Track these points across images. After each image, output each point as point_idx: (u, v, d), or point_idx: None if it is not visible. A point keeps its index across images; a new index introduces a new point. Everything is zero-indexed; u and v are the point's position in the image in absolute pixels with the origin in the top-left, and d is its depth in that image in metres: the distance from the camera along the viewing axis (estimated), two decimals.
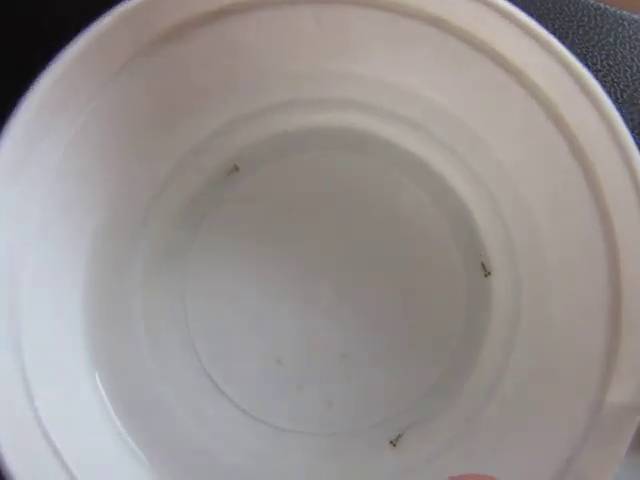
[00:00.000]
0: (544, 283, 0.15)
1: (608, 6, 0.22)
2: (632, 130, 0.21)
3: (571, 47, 0.22)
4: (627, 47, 0.22)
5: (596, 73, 0.22)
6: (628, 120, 0.22)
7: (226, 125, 0.18)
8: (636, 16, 0.22)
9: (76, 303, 0.16)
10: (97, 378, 0.16)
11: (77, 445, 0.14)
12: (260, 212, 0.19)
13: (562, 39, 0.22)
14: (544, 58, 0.13)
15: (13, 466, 0.12)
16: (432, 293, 0.18)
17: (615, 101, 0.22)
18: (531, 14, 0.22)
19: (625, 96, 0.22)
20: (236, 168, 0.19)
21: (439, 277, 0.18)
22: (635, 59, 0.22)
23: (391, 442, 0.17)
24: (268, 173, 0.19)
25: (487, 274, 0.18)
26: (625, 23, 0.22)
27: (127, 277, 0.18)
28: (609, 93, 0.22)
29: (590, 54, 0.22)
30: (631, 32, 0.22)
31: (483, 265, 0.18)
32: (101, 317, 0.16)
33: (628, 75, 0.22)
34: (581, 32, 0.22)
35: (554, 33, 0.22)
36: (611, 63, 0.22)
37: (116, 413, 0.16)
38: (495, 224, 0.17)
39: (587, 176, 0.13)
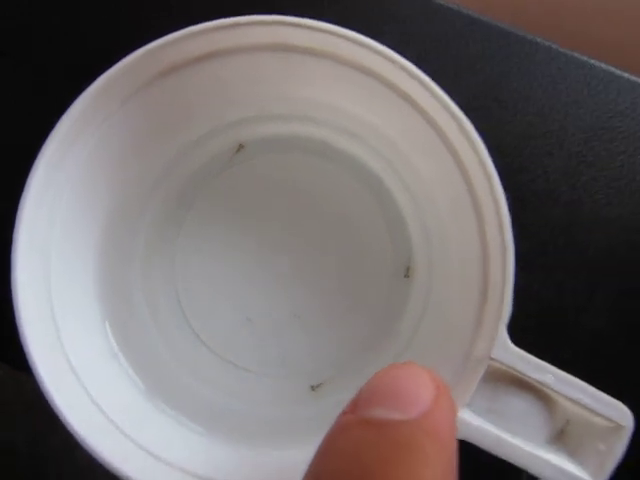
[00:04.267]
0: (446, 276, 0.21)
1: (527, 35, 0.27)
2: (543, 136, 0.27)
3: (491, 68, 0.27)
4: (540, 70, 0.27)
5: (514, 91, 0.27)
6: (544, 129, 0.27)
7: (214, 131, 0.23)
8: (547, 43, 0.27)
9: (89, 266, 0.21)
10: (107, 326, 0.21)
11: (91, 367, 0.19)
12: (235, 200, 0.24)
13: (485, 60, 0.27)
14: (430, 98, 0.18)
15: (45, 381, 0.17)
16: (364, 276, 0.23)
17: (530, 113, 0.27)
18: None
19: (536, 109, 0.27)
20: (228, 162, 0.23)
21: (372, 263, 0.23)
22: (546, 79, 0.27)
23: (312, 387, 0.23)
24: (245, 169, 0.24)
25: (407, 276, 0.23)
26: (540, 49, 0.27)
27: (130, 246, 0.22)
28: (525, 107, 0.27)
29: (511, 73, 0.27)
30: (543, 56, 0.27)
31: (408, 268, 0.23)
32: (110, 285, 0.21)
33: (540, 92, 0.27)
34: (502, 55, 0.27)
35: (479, 55, 0.27)
36: (526, 81, 0.27)
37: (122, 352, 0.21)
38: (419, 228, 0.22)
39: (469, 189, 0.18)
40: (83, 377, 0.18)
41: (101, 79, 0.18)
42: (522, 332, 0.25)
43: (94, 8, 0.27)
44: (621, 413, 0.17)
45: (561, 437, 0.18)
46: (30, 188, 0.18)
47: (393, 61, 0.17)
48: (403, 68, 0.17)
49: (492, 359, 0.17)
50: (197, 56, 0.19)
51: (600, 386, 0.18)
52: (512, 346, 0.17)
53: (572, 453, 0.18)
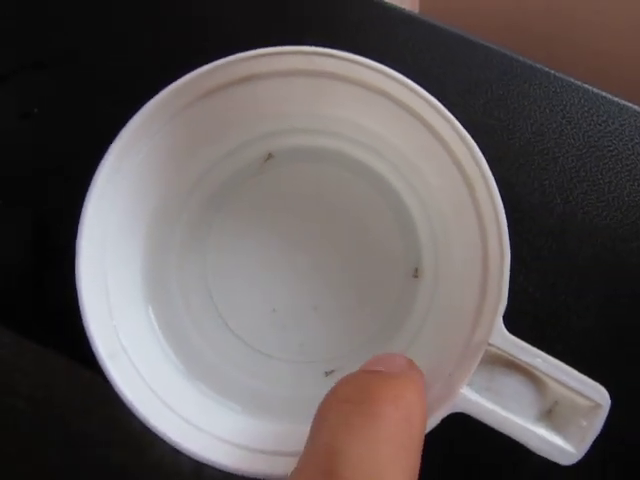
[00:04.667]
0: (451, 275, 0.23)
1: (527, 60, 0.30)
2: (540, 153, 0.29)
3: (494, 90, 0.30)
4: (538, 93, 0.30)
5: (514, 111, 0.30)
6: (540, 147, 0.29)
7: (247, 142, 0.26)
8: (545, 69, 0.30)
9: (137, 261, 0.24)
10: (150, 312, 0.24)
11: (139, 350, 0.22)
12: (263, 203, 0.27)
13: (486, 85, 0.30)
14: (443, 122, 0.20)
15: (104, 360, 0.20)
16: (377, 275, 0.26)
17: (528, 131, 0.30)
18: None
19: (534, 128, 0.30)
20: (257, 169, 0.26)
21: (384, 264, 0.26)
22: (544, 101, 0.30)
23: (325, 373, 0.25)
24: (273, 176, 0.27)
25: (416, 276, 0.25)
26: (538, 74, 0.30)
27: (169, 242, 0.25)
28: (524, 126, 0.30)
29: (512, 95, 0.30)
30: (541, 80, 0.30)
31: (416, 269, 0.26)
32: (152, 276, 0.24)
33: (537, 113, 0.30)
34: (504, 78, 0.30)
35: (478, 81, 0.30)
36: (525, 103, 0.30)
37: (164, 337, 0.24)
38: (428, 234, 0.25)
39: (472, 198, 0.21)
40: (133, 356, 0.21)
41: (158, 97, 0.21)
42: (518, 328, 0.28)
43: (152, 32, 0.30)
44: (600, 394, 0.20)
45: (549, 415, 0.21)
46: (94, 186, 0.21)
47: (411, 89, 0.20)
48: (420, 95, 0.20)
49: (490, 345, 0.20)
50: (237, 79, 0.22)
51: (584, 374, 0.21)
52: (507, 333, 0.20)
53: (558, 428, 0.20)
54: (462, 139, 0.20)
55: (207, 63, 0.21)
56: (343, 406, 0.16)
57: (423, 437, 0.17)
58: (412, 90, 0.20)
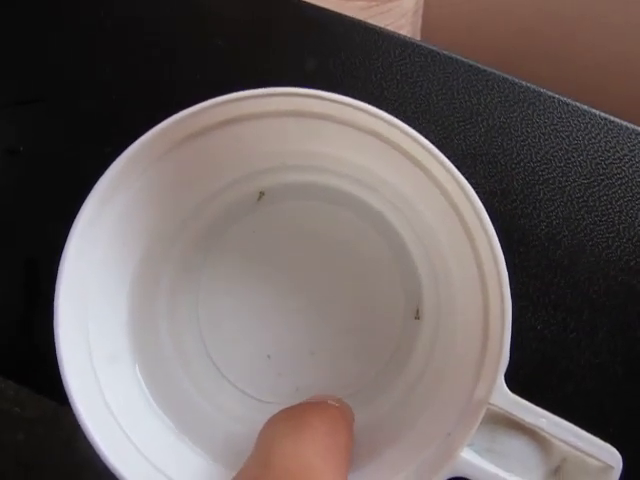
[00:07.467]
0: (452, 324, 0.22)
1: (530, 85, 0.29)
2: (545, 183, 0.28)
3: (497, 117, 0.28)
4: (542, 119, 0.28)
5: (517, 139, 0.28)
6: (546, 176, 0.28)
7: (237, 180, 0.25)
8: (549, 93, 0.29)
9: (123, 313, 0.23)
10: (137, 369, 0.23)
11: (125, 406, 0.21)
12: (255, 243, 0.26)
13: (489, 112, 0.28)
14: (439, 165, 0.19)
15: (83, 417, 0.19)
16: (377, 316, 0.25)
17: (533, 160, 0.28)
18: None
19: (539, 157, 0.28)
20: (249, 208, 0.26)
21: (384, 304, 0.25)
22: (548, 127, 0.28)
23: None
24: (265, 214, 0.26)
25: (417, 317, 0.24)
26: (542, 99, 0.29)
27: (157, 287, 0.24)
28: (529, 155, 0.28)
29: (515, 122, 0.28)
30: (546, 106, 0.28)
31: (417, 310, 0.24)
32: (137, 325, 0.23)
33: (542, 140, 0.28)
34: (507, 104, 0.28)
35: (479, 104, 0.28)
36: (529, 130, 0.28)
37: (148, 390, 0.22)
38: (428, 273, 0.24)
39: (472, 248, 0.20)
40: (119, 416, 0.20)
41: (141, 140, 0.20)
42: (526, 368, 0.27)
43: (137, 73, 0.29)
44: (611, 455, 0.18)
45: (557, 474, 0.19)
46: (71, 241, 0.20)
47: (403, 131, 0.19)
48: (413, 137, 0.19)
49: (490, 404, 0.18)
50: (224, 120, 0.21)
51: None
52: (509, 392, 0.18)
53: None
54: (460, 186, 0.19)
55: (189, 106, 0.20)
56: (279, 422, 0.20)
57: (349, 446, 0.20)
58: (403, 132, 0.19)
